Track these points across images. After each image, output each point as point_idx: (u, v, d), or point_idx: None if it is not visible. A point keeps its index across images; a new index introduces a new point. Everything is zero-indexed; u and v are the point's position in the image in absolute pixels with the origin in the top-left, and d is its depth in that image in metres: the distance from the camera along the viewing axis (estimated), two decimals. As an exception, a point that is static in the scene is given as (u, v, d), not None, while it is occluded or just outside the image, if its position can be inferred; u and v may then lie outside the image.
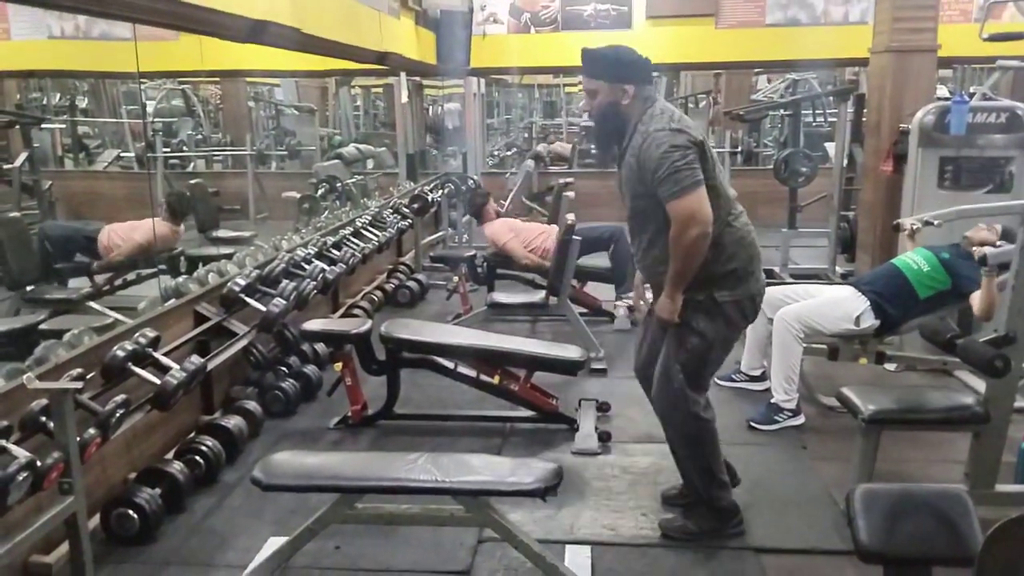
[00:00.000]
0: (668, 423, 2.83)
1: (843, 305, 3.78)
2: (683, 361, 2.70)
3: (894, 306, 3.73)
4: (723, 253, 2.64)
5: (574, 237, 4.63)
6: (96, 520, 2.76)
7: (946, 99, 4.81)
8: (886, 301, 3.73)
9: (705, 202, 2.53)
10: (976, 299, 3.45)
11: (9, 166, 6.54)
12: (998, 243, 3.59)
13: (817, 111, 10.18)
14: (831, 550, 2.71)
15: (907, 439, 3.37)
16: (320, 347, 4.40)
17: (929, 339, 3.64)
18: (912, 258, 3.82)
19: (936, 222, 3.91)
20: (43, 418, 2.36)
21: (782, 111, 8.12)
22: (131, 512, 2.77)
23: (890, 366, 4.11)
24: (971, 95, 4.88)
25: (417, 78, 8.36)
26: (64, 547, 2.51)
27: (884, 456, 2.95)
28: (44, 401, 2.37)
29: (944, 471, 3.22)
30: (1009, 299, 2.71)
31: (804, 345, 3.75)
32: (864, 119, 5.82)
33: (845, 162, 6.22)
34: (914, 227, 3.99)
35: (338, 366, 3.74)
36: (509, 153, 12.19)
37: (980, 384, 3.40)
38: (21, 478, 2.10)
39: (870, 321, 3.74)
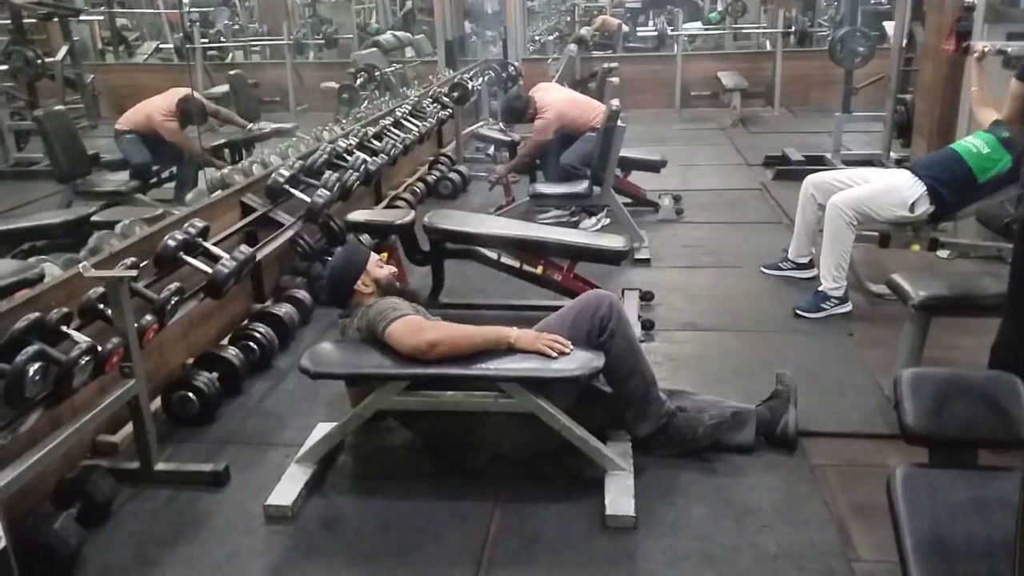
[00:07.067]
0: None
1: (899, 191, 3.67)
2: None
3: (952, 191, 3.61)
4: None
5: (618, 125, 4.52)
6: (158, 403, 2.88)
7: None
8: (943, 186, 3.61)
9: None
10: None
11: (51, 59, 6.54)
12: None
13: (876, -13, 9.64)
14: (875, 434, 2.72)
15: (958, 326, 3.30)
16: (365, 238, 4.41)
17: (986, 224, 3.54)
18: (972, 142, 3.67)
19: (1010, 49, 3.81)
20: (101, 305, 2.44)
21: (839, -13, 7.73)
22: (190, 394, 2.88)
23: (943, 253, 4.02)
24: (1046, -36, 4.56)
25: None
26: (128, 427, 2.63)
27: (933, 343, 2.91)
28: (101, 289, 2.44)
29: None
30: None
31: (856, 232, 3.67)
32: (926, -6, 5.51)
33: (904, 41, 5.91)
34: (986, 49, 3.87)
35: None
36: (551, 38, 11.81)
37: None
38: (84, 362, 2.18)
39: (925, 207, 3.63)
